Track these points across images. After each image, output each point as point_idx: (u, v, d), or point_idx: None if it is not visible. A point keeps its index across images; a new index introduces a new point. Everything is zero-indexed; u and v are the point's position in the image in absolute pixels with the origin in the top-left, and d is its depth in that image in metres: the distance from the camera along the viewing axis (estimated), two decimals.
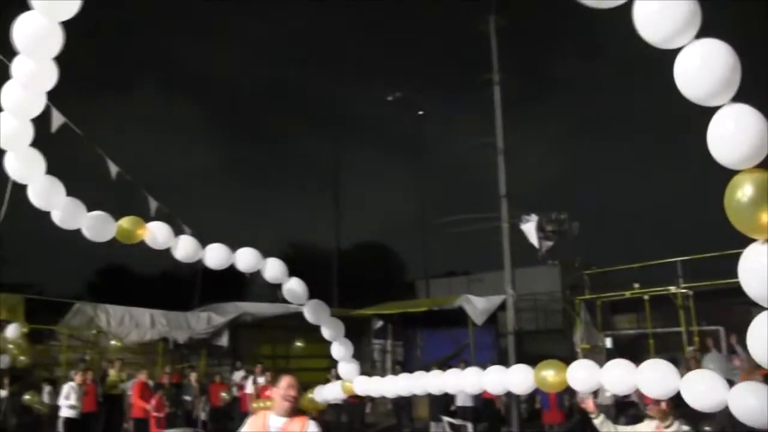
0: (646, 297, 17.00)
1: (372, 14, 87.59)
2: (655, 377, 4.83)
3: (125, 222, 6.76)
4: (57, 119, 6.23)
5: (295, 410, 4.36)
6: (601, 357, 18.23)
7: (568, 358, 15.47)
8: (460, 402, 15.50)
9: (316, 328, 8.99)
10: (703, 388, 4.43)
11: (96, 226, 6.48)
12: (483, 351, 18.56)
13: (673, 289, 16.66)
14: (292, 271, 8.38)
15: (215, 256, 7.25)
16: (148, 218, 7.15)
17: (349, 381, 8.41)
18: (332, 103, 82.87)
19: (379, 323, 23.03)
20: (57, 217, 6.20)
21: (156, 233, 6.91)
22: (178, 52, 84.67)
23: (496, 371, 6.29)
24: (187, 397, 15.16)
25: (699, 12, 3.26)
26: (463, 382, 6.86)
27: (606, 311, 19.84)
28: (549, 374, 5.70)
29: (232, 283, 12.71)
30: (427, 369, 17.76)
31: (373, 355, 23.28)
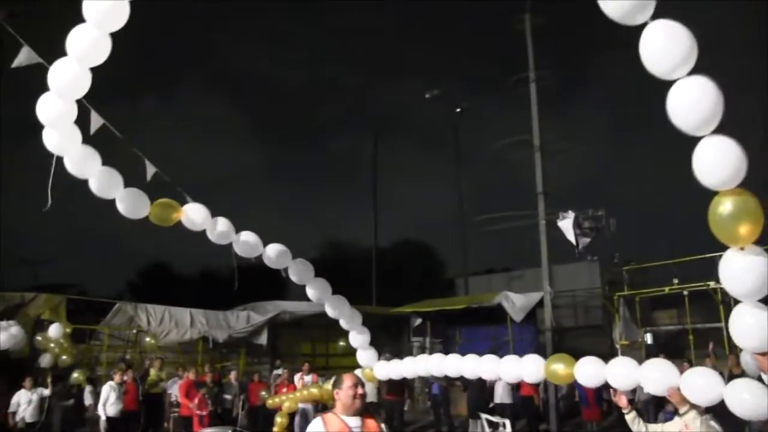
0: (685, 293, 16.77)
1: (409, 13, 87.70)
2: (656, 375, 5.26)
3: (161, 202, 6.89)
4: (96, 121, 6.37)
5: (365, 409, 4.32)
6: (641, 353, 18.08)
7: (607, 355, 15.39)
8: (498, 399, 15.46)
9: None
10: (701, 383, 4.85)
11: (130, 199, 6.60)
12: (522, 348, 18.47)
13: (712, 284, 16.41)
14: (331, 269, 8.52)
15: (247, 241, 7.35)
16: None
17: (370, 368, 8.66)
18: (371, 102, 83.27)
19: (418, 321, 23.06)
20: (94, 186, 6.31)
21: (192, 214, 7.02)
22: (219, 52, 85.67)
23: (510, 360, 6.68)
24: (228, 396, 15.37)
25: (695, 50, 3.72)
26: (479, 368, 7.22)
27: (645, 307, 19.64)
28: (559, 367, 6.05)
29: (271, 283, 12.78)
30: None
31: (412, 353, 23.32)
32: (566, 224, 13.54)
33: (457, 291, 34.12)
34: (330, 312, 8.35)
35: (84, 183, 6.27)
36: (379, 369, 8.51)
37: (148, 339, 18.83)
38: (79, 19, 4.83)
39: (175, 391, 15.21)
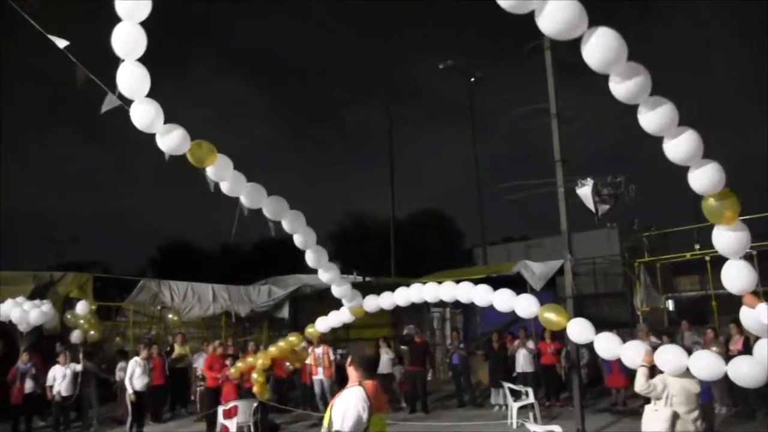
0: (707, 258, 16.53)
1: None
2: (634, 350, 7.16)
3: (200, 142, 6.96)
4: (110, 101, 6.42)
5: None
6: (663, 319, 18.04)
7: (629, 322, 15.34)
8: (519, 368, 15.55)
9: None
10: (705, 362, 6.41)
11: (171, 135, 6.66)
12: None
13: None
14: (350, 242, 8.64)
15: (252, 192, 7.49)
16: (208, 194, 7.36)
17: (355, 306, 9.23)
18: (386, 73, 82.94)
19: None
20: (137, 113, 6.41)
21: (222, 163, 7.13)
22: (232, 30, 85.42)
23: (504, 293, 7.67)
24: None
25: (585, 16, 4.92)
26: (472, 293, 8.04)
27: (667, 273, 19.56)
28: (551, 316, 7.56)
29: (291, 256, 12.89)
30: (487, 336, 17.94)
31: (432, 323, 23.42)
32: (585, 191, 13.43)
33: (475, 260, 34.14)
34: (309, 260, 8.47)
35: (105, 164, 6.36)
36: (368, 302, 9.07)
37: (171, 315, 19.02)
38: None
39: (200, 364, 15.42)
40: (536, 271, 18.59)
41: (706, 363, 6.38)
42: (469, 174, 34.44)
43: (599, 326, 7.60)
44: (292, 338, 12.82)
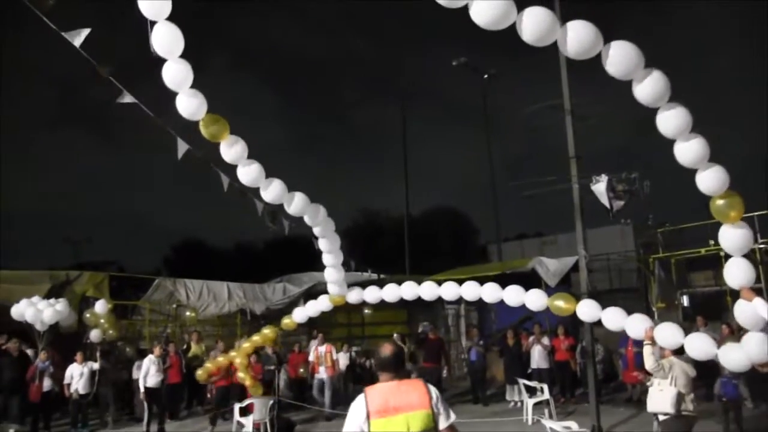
0: (722, 253, 16.41)
1: None
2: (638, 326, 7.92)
3: (215, 116, 6.99)
4: (127, 99, 6.48)
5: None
6: (678, 315, 17.97)
7: None
8: (534, 364, 15.56)
9: None
10: (699, 343, 6.99)
11: (191, 99, 6.71)
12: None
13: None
14: (365, 239, 8.69)
15: (249, 171, 7.50)
16: (221, 194, 7.41)
17: (341, 295, 9.36)
18: (399, 71, 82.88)
19: None
20: (168, 73, 6.49)
21: (235, 146, 7.16)
22: (243, 30, 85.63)
23: (513, 290, 7.94)
24: (270, 367, 15.63)
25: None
26: (482, 292, 8.33)
27: (681, 269, 19.46)
28: (560, 303, 8.06)
29: (305, 254, 12.99)
30: (502, 332, 17.94)
31: (447, 320, 23.42)
32: (600, 188, 13.39)
33: (490, 257, 34.10)
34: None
35: (119, 165, 6.45)
36: (353, 294, 9.85)
37: (188, 313, 19.12)
38: None
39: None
40: (551, 267, 18.55)
41: (700, 344, 7.03)
42: (483, 171, 34.38)
43: None
44: (267, 331, 12.89)
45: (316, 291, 21.42)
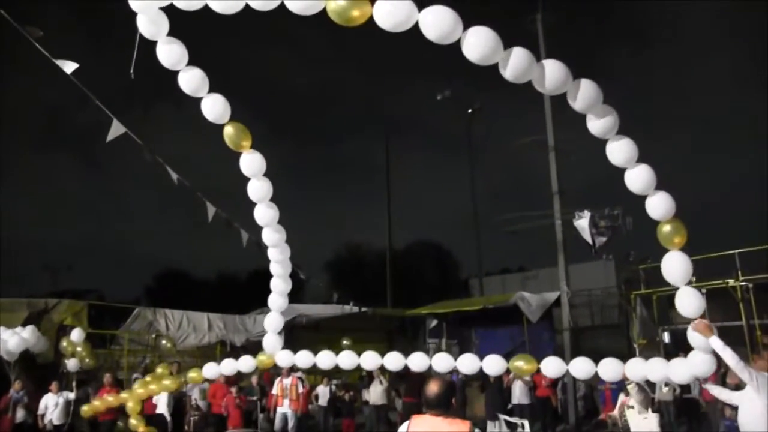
0: (703, 290, 16.49)
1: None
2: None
3: (239, 125, 6.94)
4: (116, 128, 6.47)
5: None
6: (659, 352, 17.98)
7: (625, 354, 15.31)
8: (515, 400, 15.47)
9: (371, 329, 9.19)
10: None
11: (216, 103, 6.69)
12: (539, 348, 18.42)
13: (731, 281, 16.29)
14: (347, 271, 8.57)
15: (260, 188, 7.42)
16: (203, 224, 7.37)
17: (269, 355, 8.80)
18: (384, 104, 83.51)
19: (434, 322, 23.04)
20: (185, 78, 6.47)
21: (253, 158, 7.13)
22: (230, 57, 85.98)
23: (469, 358, 7.72)
24: (253, 398, 15.39)
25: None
26: (434, 362, 8.10)
27: (663, 305, 19.50)
28: (521, 364, 7.70)
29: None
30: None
31: (428, 354, 23.32)
32: (582, 223, 13.51)
33: (472, 292, 34.12)
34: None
35: (102, 192, 6.45)
36: (281, 358, 8.80)
37: (164, 342, 18.90)
38: None
39: (194, 394, 15.27)
40: (533, 302, 18.58)
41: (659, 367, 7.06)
42: (467, 204, 34.53)
43: (596, 358, 7.73)
44: (167, 382, 11.14)
45: (298, 323, 21.32)
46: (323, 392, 16.94)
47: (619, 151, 6.01)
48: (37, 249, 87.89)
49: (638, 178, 6.09)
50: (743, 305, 16.01)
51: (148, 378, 11.22)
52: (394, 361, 7.82)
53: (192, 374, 10.01)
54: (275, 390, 15.10)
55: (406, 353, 9.02)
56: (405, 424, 4.06)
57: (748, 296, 15.99)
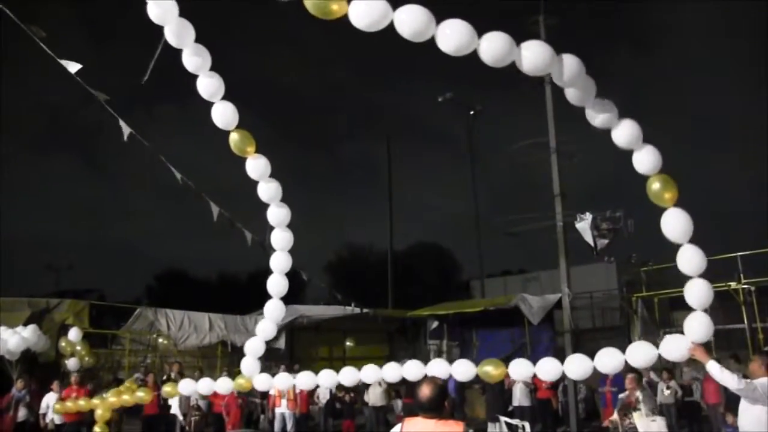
0: None
1: None
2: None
3: (243, 131, 6.94)
4: (125, 128, 6.50)
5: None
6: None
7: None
8: (516, 402, 15.45)
9: (372, 330, 9.09)
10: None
11: (226, 110, 6.70)
12: (540, 350, 18.43)
13: (733, 284, 16.28)
14: (348, 273, 8.48)
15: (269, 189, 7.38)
16: (205, 224, 7.38)
17: (247, 379, 8.23)
18: (386, 106, 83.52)
19: (435, 323, 23.02)
20: (203, 83, 6.48)
21: (258, 163, 7.11)
22: (232, 60, 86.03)
23: (439, 363, 7.14)
24: (256, 399, 15.39)
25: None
26: (406, 372, 7.50)
27: (665, 308, 19.52)
28: (489, 369, 7.03)
29: (288, 287, 12.81)
30: None
31: (429, 356, 23.30)
32: (584, 226, 13.48)
33: (473, 293, 34.08)
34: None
35: (103, 192, 6.45)
36: (259, 381, 8.21)
37: (161, 340, 18.93)
38: None
39: (194, 395, 15.27)
40: (534, 304, 18.57)
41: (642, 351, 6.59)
42: (468, 206, 34.49)
43: None
44: (142, 393, 10.47)
45: (299, 324, 21.33)
46: (324, 393, 16.95)
47: (601, 112, 5.83)
48: (39, 249, 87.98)
49: (624, 132, 5.88)
50: (745, 308, 16.02)
51: (122, 388, 10.98)
52: (391, 372, 7.48)
53: (167, 388, 9.84)
54: (272, 390, 15.07)
55: (407, 354, 8.96)
56: (397, 426, 4.08)
57: (750, 299, 16.00)
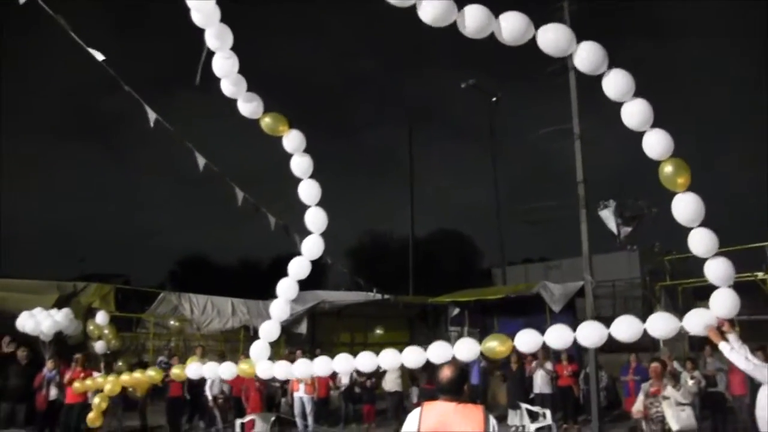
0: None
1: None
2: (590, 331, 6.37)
3: (274, 114, 7.04)
4: (150, 115, 6.59)
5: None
6: (684, 345, 17.88)
7: (649, 347, 15.21)
8: (537, 389, 15.48)
9: (393, 317, 9.03)
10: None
11: (251, 101, 6.83)
12: None
13: (760, 274, 16.13)
14: (370, 259, 8.47)
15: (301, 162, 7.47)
16: (228, 210, 7.44)
17: (251, 364, 8.02)
18: (407, 93, 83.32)
19: (456, 310, 23.04)
20: (226, 88, 6.60)
21: (295, 135, 7.20)
22: (253, 47, 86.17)
23: (440, 345, 6.84)
24: (276, 383, 15.56)
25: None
26: (387, 360, 7.21)
27: (689, 297, 19.37)
28: (494, 344, 6.86)
29: (311, 272, 12.89)
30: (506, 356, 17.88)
31: (450, 342, 23.38)
32: (607, 213, 13.44)
33: (494, 281, 34.06)
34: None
35: (127, 179, 6.53)
36: (262, 369, 7.98)
37: (172, 323, 19.15)
38: None
39: (217, 378, 15.46)
40: (555, 292, 18.53)
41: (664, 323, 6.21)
42: (489, 193, 34.38)
43: (619, 349, 7.62)
44: (152, 373, 10.09)
45: (320, 310, 21.45)
46: (344, 378, 17.05)
47: (614, 85, 5.73)
48: (66, 235, 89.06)
49: (634, 111, 5.73)
50: None
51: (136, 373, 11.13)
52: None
53: (176, 370, 9.94)
54: None
55: (428, 341, 8.78)
56: (416, 411, 4.06)
57: None
